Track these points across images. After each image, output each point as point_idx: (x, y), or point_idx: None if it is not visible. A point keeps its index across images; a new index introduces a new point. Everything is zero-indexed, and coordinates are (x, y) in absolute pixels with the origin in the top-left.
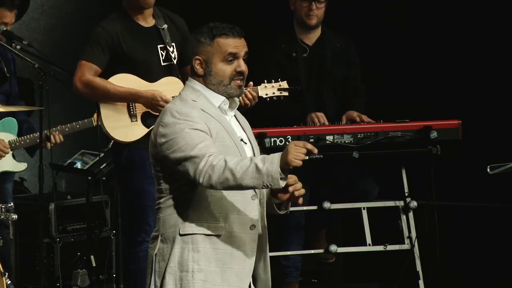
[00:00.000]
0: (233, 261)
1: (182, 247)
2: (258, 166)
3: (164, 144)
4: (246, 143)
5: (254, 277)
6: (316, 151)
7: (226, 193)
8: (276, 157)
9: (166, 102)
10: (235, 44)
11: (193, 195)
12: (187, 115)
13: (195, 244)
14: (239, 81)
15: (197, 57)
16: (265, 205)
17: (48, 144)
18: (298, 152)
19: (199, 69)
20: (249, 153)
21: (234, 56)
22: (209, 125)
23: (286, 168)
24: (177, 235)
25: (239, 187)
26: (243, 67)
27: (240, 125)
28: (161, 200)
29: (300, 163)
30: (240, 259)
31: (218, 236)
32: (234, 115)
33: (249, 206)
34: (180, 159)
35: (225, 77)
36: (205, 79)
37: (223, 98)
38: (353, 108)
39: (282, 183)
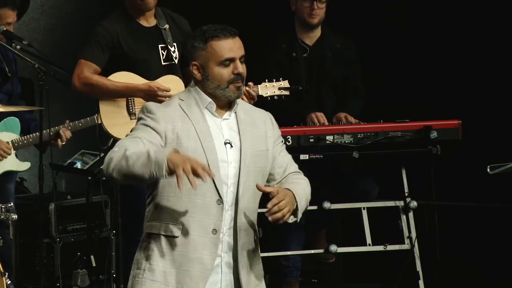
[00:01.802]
0: (188, 263)
1: (140, 245)
2: (150, 154)
3: None
4: (232, 146)
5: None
6: (205, 180)
7: (186, 195)
8: (168, 149)
9: (165, 90)
10: (230, 47)
11: (158, 196)
12: (150, 112)
13: (151, 243)
14: (237, 83)
15: (194, 62)
16: (241, 211)
17: (59, 142)
18: (191, 164)
19: (197, 74)
20: (232, 156)
21: (230, 60)
22: (167, 126)
23: (171, 166)
24: (143, 235)
25: (131, 173)
26: (241, 69)
27: (238, 127)
28: (146, 203)
29: (181, 173)
30: (196, 262)
31: (175, 237)
32: (236, 116)
33: (212, 210)
34: None
35: (222, 80)
36: (204, 83)
37: (209, 100)
38: (346, 109)
39: (166, 174)
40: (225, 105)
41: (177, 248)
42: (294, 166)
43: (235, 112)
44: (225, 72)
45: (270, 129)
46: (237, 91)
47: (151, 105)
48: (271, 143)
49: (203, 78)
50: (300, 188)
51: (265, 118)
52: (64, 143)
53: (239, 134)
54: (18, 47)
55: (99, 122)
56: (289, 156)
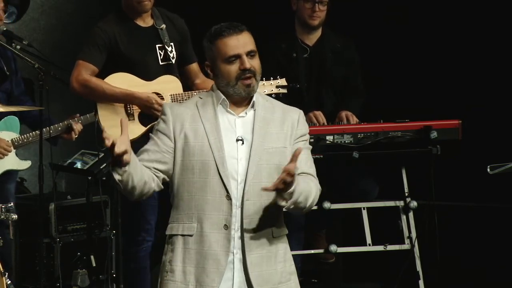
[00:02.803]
0: (204, 261)
1: (166, 248)
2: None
3: None
4: (243, 143)
5: (248, 277)
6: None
7: (197, 193)
8: None
9: (160, 105)
10: (234, 44)
11: (175, 198)
12: (164, 114)
13: (173, 244)
14: (246, 80)
15: (206, 62)
16: (249, 207)
17: (73, 135)
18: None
19: (210, 74)
20: (243, 152)
21: (236, 56)
22: (176, 125)
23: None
24: (166, 238)
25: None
26: (247, 64)
27: (254, 124)
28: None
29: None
30: (211, 259)
31: (190, 236)
32: (254, 114)
33: (223, 206)
34: None
35: (230, 78)
36: (216, 82)
37: (222, 97)
38: (347, 108)
39: (115, 175)
40: (243, 102)
41: (193, 246)
42: (308, 167)
43: (254, 110)
44: (232, 69)
45: (295, 127)
46: (247, 88)
47: (167, 106)
48: (292, 140)
49: (215, 77)
50: (304, 181)
51: (292, 117)
52: (77, 136)
53: (253, 131)
54: (18, 47)
55: (97, 119)
56: (308, 157)
